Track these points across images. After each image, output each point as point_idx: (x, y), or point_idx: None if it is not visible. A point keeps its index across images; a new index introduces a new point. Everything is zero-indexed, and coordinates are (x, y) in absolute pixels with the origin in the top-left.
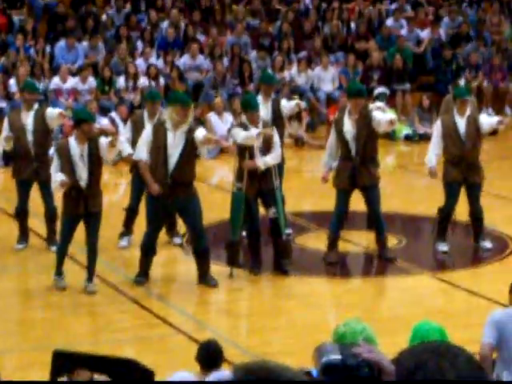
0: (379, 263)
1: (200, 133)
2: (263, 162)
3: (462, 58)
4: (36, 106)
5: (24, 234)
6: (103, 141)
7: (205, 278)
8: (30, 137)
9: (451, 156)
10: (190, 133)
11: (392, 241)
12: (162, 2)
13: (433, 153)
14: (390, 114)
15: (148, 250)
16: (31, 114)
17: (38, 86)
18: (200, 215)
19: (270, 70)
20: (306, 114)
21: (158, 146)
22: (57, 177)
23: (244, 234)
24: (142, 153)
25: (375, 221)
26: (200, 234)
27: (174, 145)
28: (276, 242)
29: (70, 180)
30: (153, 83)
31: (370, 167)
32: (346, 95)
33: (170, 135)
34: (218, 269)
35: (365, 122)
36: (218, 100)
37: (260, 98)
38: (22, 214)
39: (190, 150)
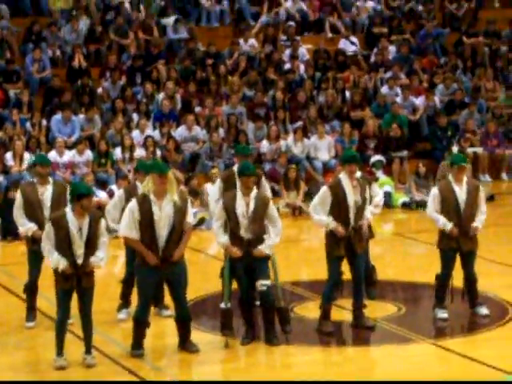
0: (378, 331)
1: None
2: (268, 246)
3: (458, 124)
4: (51, 179)
5: (32, 309)
6: (103, 221)
7: (186, 344)
8: (46, 211)
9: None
10: (178, 205)
11: (391, 309)
12: (158, 74)
13: (439, 216)
14: None
15: (141, 322)
16: (48, 188)
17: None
18: (186, 284)
19: (265, 141)
20: (303, 183)
21: (145, 220)
22: (58, 260)
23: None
24: (131, 230)
25: (361, 286)
26: (184, 302)
27: (161, 217)
28: (265, 314)
29: (70, 266)
30: (150, 155)
31: (362, 234)
32: (340, 163)
33: (155, 207)
34: (214, 338)
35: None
36: (214, 170)
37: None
38: (31, 289)
39: (180, 223)
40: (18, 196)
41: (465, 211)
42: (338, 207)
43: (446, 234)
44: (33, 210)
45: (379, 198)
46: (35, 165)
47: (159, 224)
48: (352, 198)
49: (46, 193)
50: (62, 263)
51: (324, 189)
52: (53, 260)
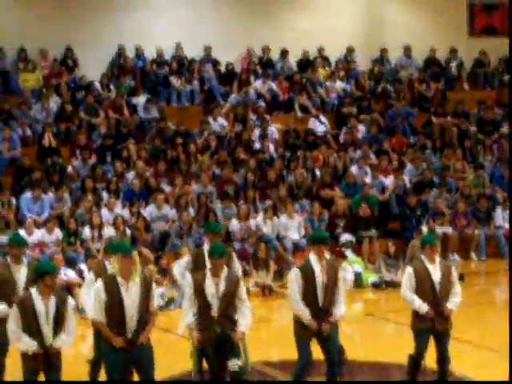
0: None
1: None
2: (246, 325)
3: (427, 204)
4: (25, 260)
5: None
6: (71, 302)
7: None
8: (20, 292)
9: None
10: (144, 286)
11: None
12: (128, 153)
13: (414, 297)
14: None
15: None
16: (22, 269)
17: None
18: (153, 365)
19: (235, 219)
20: (273, 262)
21: (113, 302)
22: (28, 343)
23: None
24: (97, 314)
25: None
26: (154, 382)
27: (129, 299)
28: None
29: (39, 347)
30: (121, 234)
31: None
32: (310, 242)
33: (122, 288)
34: None
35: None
36: (184, 250)
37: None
38: None
39: (147, 305)
40: None
41: (440, 291)
42: (307, 288)
43: (419, 314)
44: (4, 290)
45: (349, 277)
46: (9, 245)
47: (127, 305)
48: (320, 278)
49: (19, 274)
50: (32, 345)
51: (295, 271)
52: (23, 344)
